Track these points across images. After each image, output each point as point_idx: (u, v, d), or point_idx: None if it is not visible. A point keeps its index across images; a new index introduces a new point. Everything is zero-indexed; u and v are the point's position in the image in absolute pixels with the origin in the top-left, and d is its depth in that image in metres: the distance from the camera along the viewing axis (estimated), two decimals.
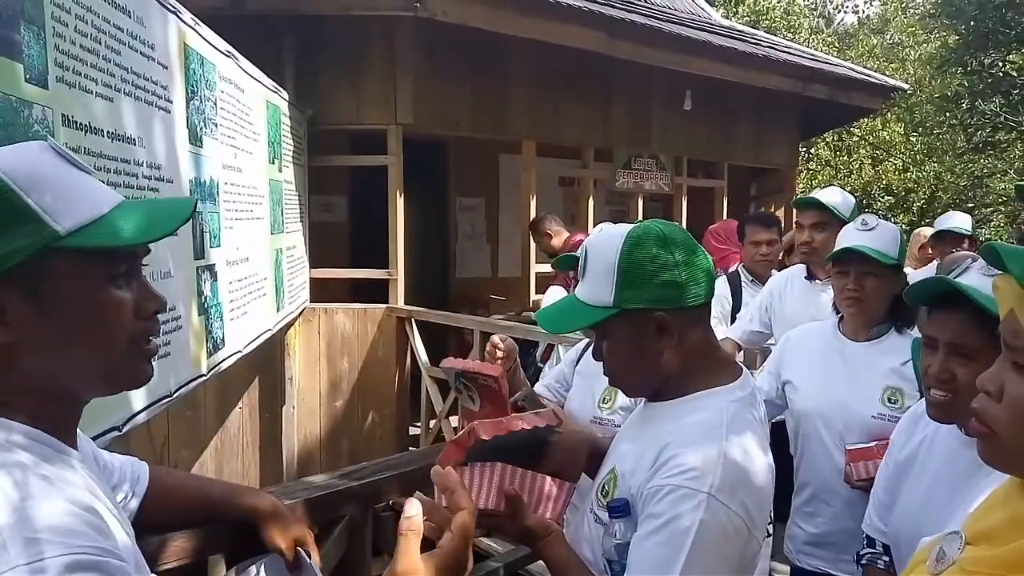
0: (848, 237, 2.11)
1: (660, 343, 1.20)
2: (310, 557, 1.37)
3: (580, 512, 1.38)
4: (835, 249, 2.13)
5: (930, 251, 4.37)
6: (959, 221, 4.17)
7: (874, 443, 1.93)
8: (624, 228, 1.24)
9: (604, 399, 2.09)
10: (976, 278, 1.28)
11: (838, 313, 2.21)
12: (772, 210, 8.07)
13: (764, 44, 7.63)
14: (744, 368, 1.30)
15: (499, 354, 1.94)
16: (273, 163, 4.16)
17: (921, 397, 1.93)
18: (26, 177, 0.79)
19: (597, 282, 1.22)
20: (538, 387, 2.35)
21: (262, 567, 1.41)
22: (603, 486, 1.27)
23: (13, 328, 0.79)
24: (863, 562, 1.62)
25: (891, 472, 1.58)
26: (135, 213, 0.87)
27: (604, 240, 1.24)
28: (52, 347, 0.82)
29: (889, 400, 2.01)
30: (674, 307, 1.19)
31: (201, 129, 2.84)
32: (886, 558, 1.57)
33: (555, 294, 4.37)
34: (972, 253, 3.64)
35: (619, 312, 1.19)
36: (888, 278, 2.07)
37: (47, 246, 0.79)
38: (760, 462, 1.17)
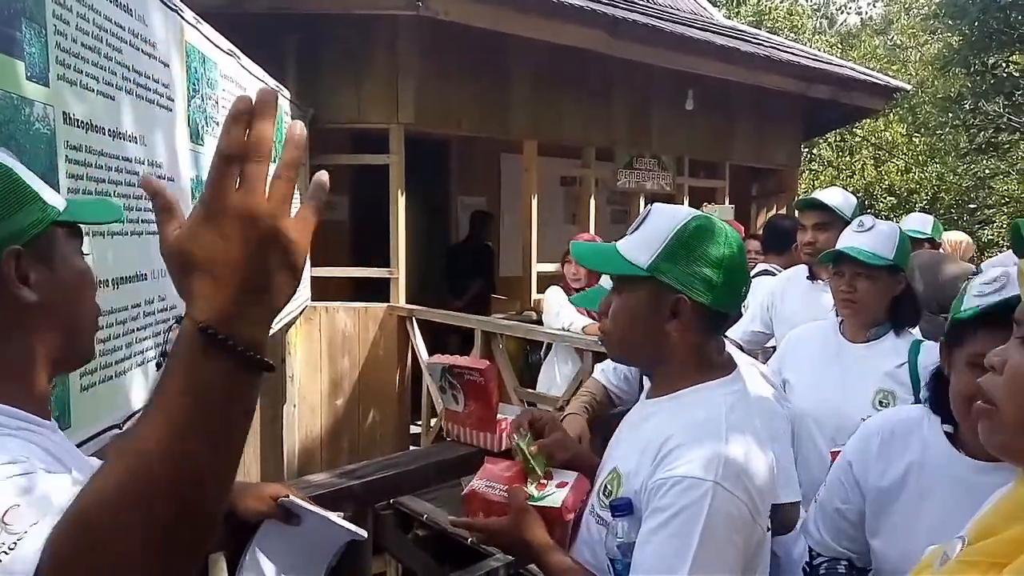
0: (844, 239, 2.12)
1: (667, 324, 1.22)
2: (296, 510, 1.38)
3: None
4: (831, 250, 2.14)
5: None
6: (917, 223, 4.03)
7: None
8: (693, 211, 1.28)
9: None
10: None
11: (839, 315, 2.21)
12: (774, 210, 8.08)
13: (766, 44, 7.61)
14: (739, 366, 1.32)
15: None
16: (275, 162, 4.15)
17: (915, 400, 1.93)
18: (15, 167, 0.90)
19: (643, 243, 1.25)
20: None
21: (252, 550, 1.41)
22: (605, 486, 1.27)
23: (35, 291, 0.88)
24: (822, 572, 1.51)
25: (872, 501, 1.46)
26: (83, 203, 1.09)
27: (671, 210, 1.29)
28: (57, 310, 0.92)
29: (880, 403, 1.99)
30: (697, 300, 1.21)
31: (203, 127, 2.84)
32: (844, 563, 1.49)
33: (554, 294, 4.38)
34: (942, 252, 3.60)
35: (648, 277, 1.22)
36: (883, 280, 2.06)
37: (53, 220, 0.91)
38: (760, 451, 1.19)
